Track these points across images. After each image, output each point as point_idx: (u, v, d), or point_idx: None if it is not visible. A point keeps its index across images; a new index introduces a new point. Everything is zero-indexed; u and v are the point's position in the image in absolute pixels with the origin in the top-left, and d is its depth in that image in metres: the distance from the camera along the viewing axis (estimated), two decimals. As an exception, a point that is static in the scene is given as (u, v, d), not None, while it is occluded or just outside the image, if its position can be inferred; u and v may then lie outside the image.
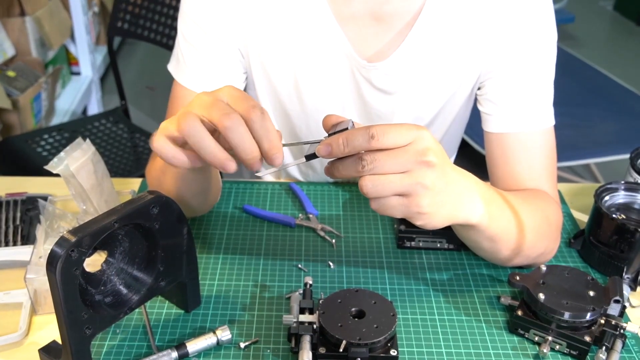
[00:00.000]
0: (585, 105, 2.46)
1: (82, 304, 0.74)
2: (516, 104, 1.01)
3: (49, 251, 0.70)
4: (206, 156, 0.71)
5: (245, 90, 1.10)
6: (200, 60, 1.03)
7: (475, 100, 1.08)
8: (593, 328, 0.84)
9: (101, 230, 0.73)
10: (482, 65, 1.03)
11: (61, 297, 0.71)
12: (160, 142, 0.74)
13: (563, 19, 3.81)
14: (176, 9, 1.99)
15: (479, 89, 1.06)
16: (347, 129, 0.71)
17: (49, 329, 0.87)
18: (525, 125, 1.01)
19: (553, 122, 1.03)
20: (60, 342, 0.77)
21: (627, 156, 1.13)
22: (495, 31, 1.00)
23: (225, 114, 0.70)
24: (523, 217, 0.90)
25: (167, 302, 0.91)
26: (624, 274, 0.96)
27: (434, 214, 0.74)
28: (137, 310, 0.84)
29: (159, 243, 0.81)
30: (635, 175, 1.09)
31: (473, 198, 0.80)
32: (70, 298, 0.72)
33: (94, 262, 0.80)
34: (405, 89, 1.05)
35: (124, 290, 0.82)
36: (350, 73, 1.04)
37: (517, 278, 0.88)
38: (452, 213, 0.77)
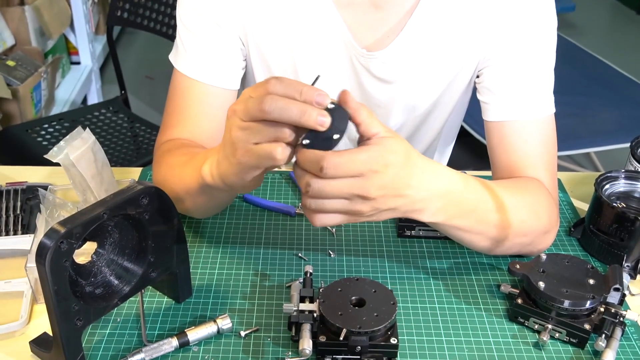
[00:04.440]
0: (585, 94, 2.46)
1: (72, 295, 0.74)
2: (513, 92, 1.01)
3: (46, 241, 0.70)
4: (295, 114, 0.69)
5: (244, 78, 1.10)
6: (200, 47, 1.02)
7: (475, 89, 1.08)
8: (593, 316, 0.85)
9: (91, 221, 0.72)
10: (480, 53, 1.03)
11: (51, 289, 0.71)
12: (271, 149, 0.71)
13: (564, 8, 3.79)
14: (176, -3, 1.99)
15: (477, 77, 1.06)
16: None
17: (50, 318, 0.87)
18: (523, 114, 1.00)
19: (553, 110, 1.02)
20: (51, 333, 0.76)
21: (628, 145, 1.13)
22: (494, 19, 1.00)
23: (259, 101, 0.69)
24: (503, 210, 0.89)
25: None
26: (623, 262, 0.96)
27: (374, 219, 0.78)
28: (128, 300, 0.84)
29: (149, 233, 0.81)
30: (635, 163, 1.09)
31: (420, 206, 0.80)
32: (61, 290, 0.72)
33: (84, 254, 0.80)
34: (404, 78, 1.05)
35: (115, 282, 0.81)
36: (349, 61, 1.04)
37: (517, 266, 0.88)
38: (394, 215, 0.79)
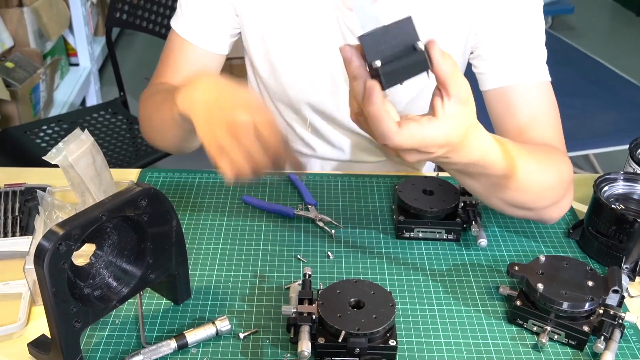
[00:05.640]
0: (584, 96, 2.46)
1: (71, 297, 0.74)
2: (509, 58, 1.02)
3: (44, 243, 0.70)
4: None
5: (240, 41, 1.15)
6: (196, 11, 1.07)
7: (471, 66, 1.08)
8: (592, 318, 0.85)
9: (89, 223, 0.72)
10: (469, 23, 1.04)
11: (49, 290, 0.71)
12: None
13: (562, 10, 3.79)
14: (175, -1, 1.98)
15: (471, 53, 1.06)
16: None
17: (48, 320, 0.87)
18: (521, 77, 1.01)
19: (549, 78, 1.03)
20: (49, 335, 0.76)
21: (626, 147, 1.13)
22: None
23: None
24: (536, 165, 0.90)
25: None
26: (622, 264, 0.96)
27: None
28: (127, 302, 0.84)
29: (147, 235, 0.81)
30: (634, 165, 1.09)
31: (444, 163, 0.82)
32: (59, 291, 0.72)
33: (82, 255, 0.80)
34: None
35: (113, 283, 0.81)
36: (336, 23, 1.04)
37: (516, 268, 0.88)
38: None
